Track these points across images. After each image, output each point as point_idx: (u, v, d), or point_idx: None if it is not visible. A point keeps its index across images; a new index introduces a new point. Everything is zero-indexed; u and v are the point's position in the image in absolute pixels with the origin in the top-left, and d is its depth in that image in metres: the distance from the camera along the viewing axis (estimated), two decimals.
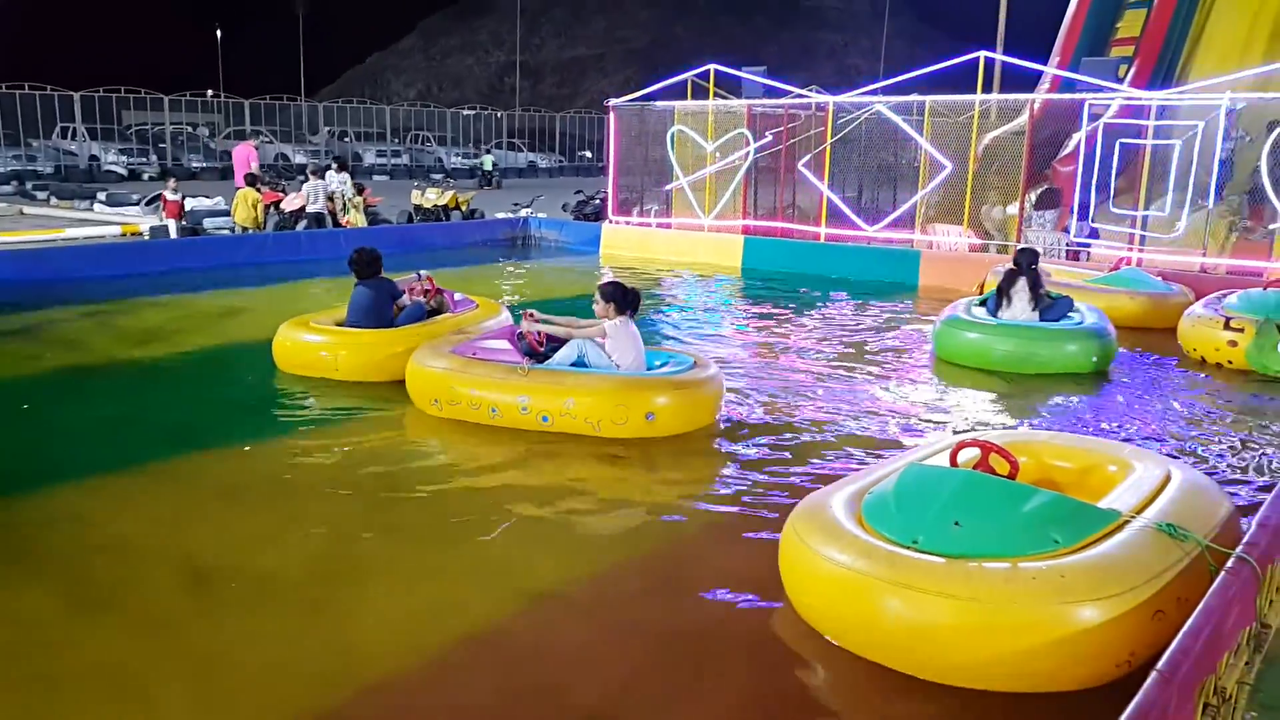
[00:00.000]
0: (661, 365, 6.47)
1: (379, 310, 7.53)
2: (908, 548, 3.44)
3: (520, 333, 6.58)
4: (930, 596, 3.22)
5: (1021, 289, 8.44)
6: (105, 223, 17.62)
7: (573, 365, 6.27)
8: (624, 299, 6.33)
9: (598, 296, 6.40)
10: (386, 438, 6.14)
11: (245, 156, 16.73)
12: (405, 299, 7.79)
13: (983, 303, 8.94)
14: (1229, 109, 11.81)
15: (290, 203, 15.69)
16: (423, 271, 8.27)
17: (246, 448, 5.84)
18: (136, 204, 19.88)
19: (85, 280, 11.54)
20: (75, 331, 9.01)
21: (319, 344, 7.32)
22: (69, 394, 7.08)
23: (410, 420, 6.45)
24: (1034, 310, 8.40)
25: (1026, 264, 8.42)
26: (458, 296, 8.48)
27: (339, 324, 7.55)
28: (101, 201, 20.48)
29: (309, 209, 15.33)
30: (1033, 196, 14.03)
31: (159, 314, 9.88)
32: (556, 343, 6.51)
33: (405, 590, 4.11)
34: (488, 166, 38.38)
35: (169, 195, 15.36)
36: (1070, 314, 8.48)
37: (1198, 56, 15.27)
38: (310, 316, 7.75)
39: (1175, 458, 5.55)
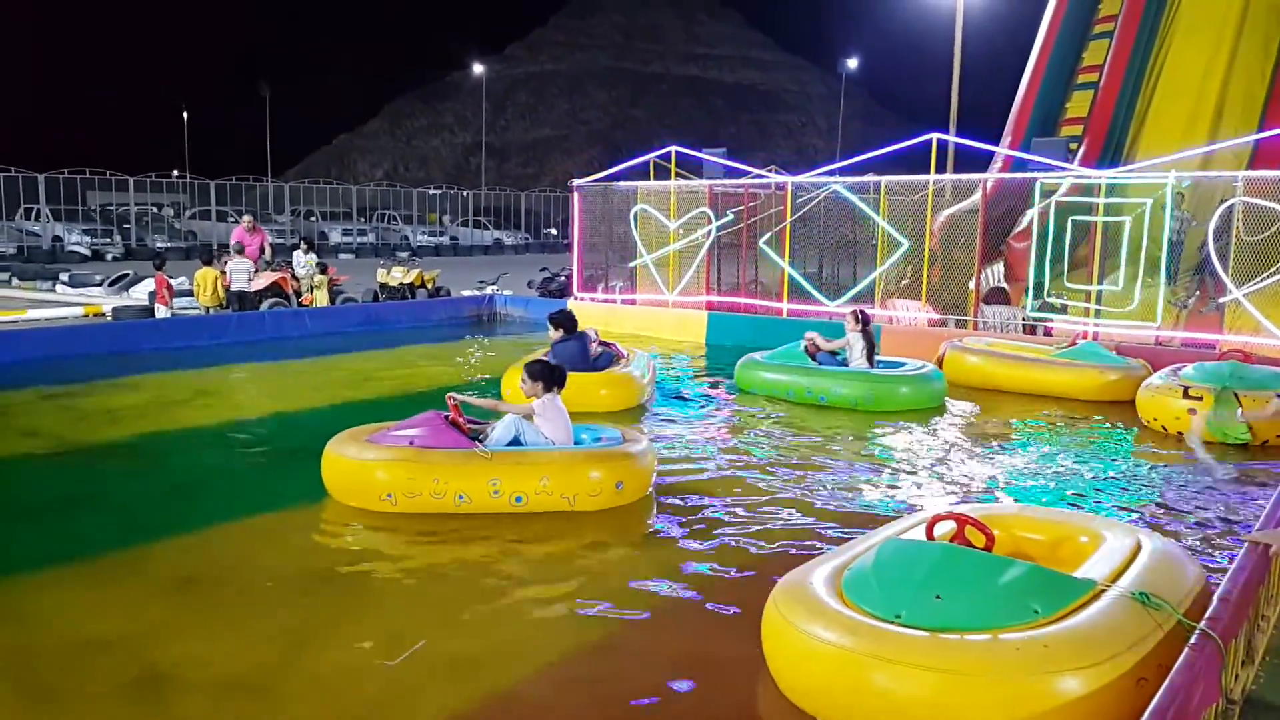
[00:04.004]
0: (592, 439, 6.52)
1: (585, 357, 9.40)
2: (891, 622, 3.44)
3: (447, 415, 6.36)
4: (916, 671, 3.22)
5: (864, 345, 10.02)
6: (67, 304, 17.43)
7: (510, 445, 6.25)
8: (551, 377, 6.46)
9: (524, 376, 6.49)
10: (340, 526, 5.96)
11: (241, 239, 15.87)
12: (594, 348, 9.74)
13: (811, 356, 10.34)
14: (1178, 189, 12.22)
15: (255, 282, 15.58)
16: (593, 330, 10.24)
17: (204, 536, 5.69)
18: (100, 284, 19.71)
19: (46, 362, 11.34)
20: (33, 415, 8.82)
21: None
22: (21, 481, 6.89)
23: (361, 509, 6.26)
24: (868, 360, 10.05)
25: (866, 323, 10.15)
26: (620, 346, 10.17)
27: None
28: (64, 282, 20.26)
29: (232, 287, 15.16)
30: (990, 275, 14.36)
31: (121, 397, 9.71)
32: (478, 424, 6.46)
33: (361, 689, 3.99)
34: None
35: (170, 279, 14.75)
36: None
37: (1144, 136, 15.86)
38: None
39: (1144, 527, 5.62)
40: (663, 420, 9.10)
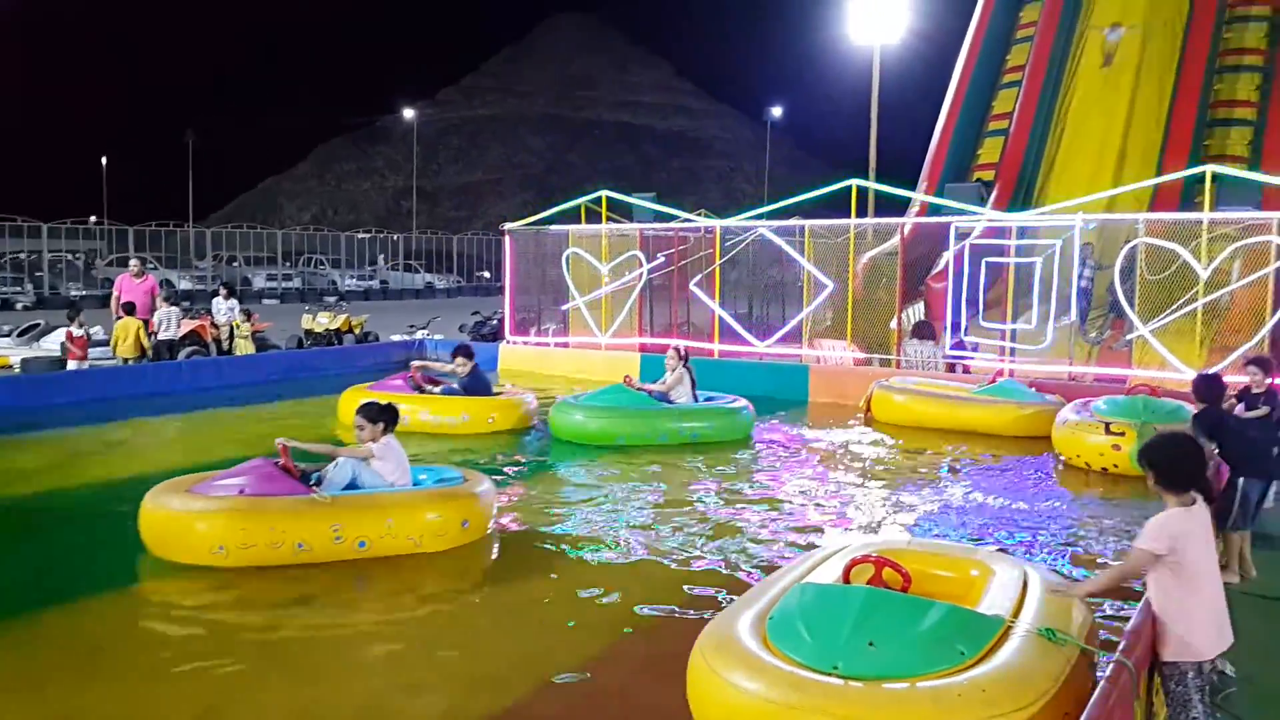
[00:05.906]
0: (434, 480, 6.52)
1: (489, 385, 10.82)
2: (830, 674, 3.39)
3: (277, 461, 6.16)
4: None
5: (690, 380, 10.39)
6: None
7: (347, 488, 6.11)
8: (388, 416, 6.40)
9: (362, 420, 6.34)
10: (239, 587, 5.63)
11: (128, 287, 15.20)
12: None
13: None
14: (1085, 243, 12.74)
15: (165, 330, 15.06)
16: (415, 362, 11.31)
17: (107, 601, 5.46)
18: (8, 335, 18.98)
19: None
20: None
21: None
22: None
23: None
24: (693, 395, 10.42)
25: (686, 359, 10.52)
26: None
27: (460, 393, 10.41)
28: None
29: (161, 336, 14.72)
30: (911, 314, 14.70)
31: (25, 453, 9.30)
32: (309, 469, 6.30)
33: None
34: None
35: (75, 331, 13.65)
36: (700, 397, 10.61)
37: (1053, 181, 16.49)
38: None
39: (1030, 557, 5.76)
40: (547, 465, 9.19)
